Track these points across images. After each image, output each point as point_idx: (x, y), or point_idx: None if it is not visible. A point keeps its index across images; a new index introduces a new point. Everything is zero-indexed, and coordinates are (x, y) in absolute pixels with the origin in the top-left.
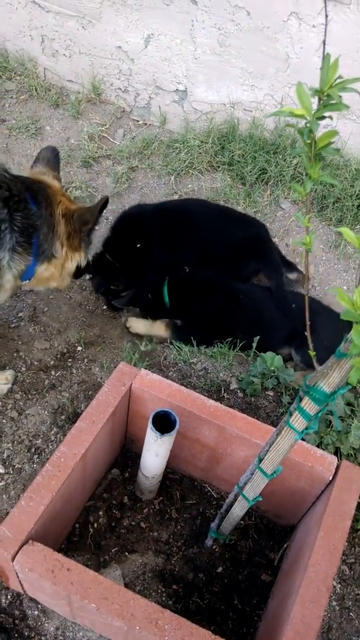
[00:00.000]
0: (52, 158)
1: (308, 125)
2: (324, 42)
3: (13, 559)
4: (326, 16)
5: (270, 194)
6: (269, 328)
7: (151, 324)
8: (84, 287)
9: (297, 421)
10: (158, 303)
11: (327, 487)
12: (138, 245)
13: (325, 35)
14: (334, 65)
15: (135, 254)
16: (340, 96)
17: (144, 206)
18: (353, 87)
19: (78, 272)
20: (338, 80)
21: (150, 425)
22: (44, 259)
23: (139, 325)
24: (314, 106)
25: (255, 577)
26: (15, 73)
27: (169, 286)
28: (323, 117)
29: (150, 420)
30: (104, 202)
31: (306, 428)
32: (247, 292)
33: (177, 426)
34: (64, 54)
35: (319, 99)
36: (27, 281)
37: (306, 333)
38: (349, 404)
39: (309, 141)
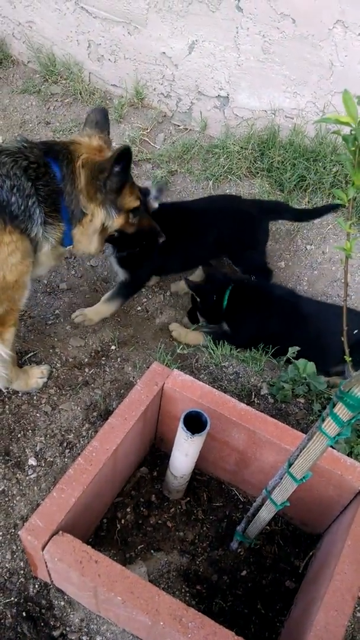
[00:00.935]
0: (100, 119)
1: (353, 132)
2: None
3: (43, 548)
4: None
5: (308, 201)
6: (326, 347)
7: (187, 333)
8: None
9: (330, 427)
10: (216, 307)
11: (356, 496)
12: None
13: None
14: None
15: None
16: None
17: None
18: None
19: (119, 241)
20: None
21: (181, 425)
22: (75, 221)
23: (181, 332)
24: None
25: (279, 583)
26: (61, 77)
27: (231, 292)
28: None
29: (182, 419)
30: (122, 151)
31: (338, 434)
32: (311, 309)
33: (208, 427)
34: (109, 59)
35: None
36: (71, 246)
37: (343, 338)
38: None
39: (353, 148)
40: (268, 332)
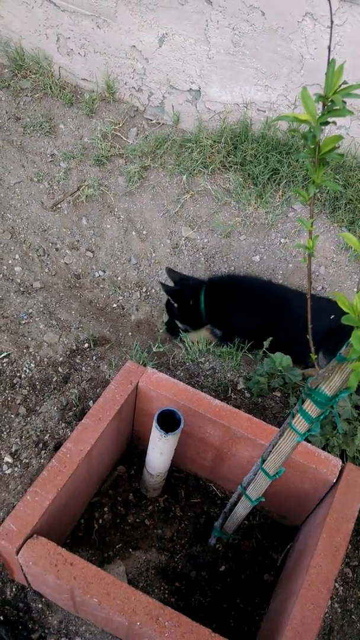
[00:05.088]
0: None
1: (312, 131)
2: (329, 47)
3: (17, 552)
4: (332, 22)
5: (282, 195)
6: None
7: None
8: (95, 285)
9: (300, 423)
10: (195, 312)
11: (331, 489)
12: None
13: (330, 39)
14: (339, 71)
15: None
16: (344, 102)
17: None
18: (358, 94)
19: None
20: (343, 86)
21: (155, 424)
22: None
23: (190, 336)
24: (319, 111)
25: (257, 577)
26: (30, 71)
27: (205, 294)
28: (327, 123)
29: (155, 418)
30: None
31: (308, 430)
32: (291, 297)
33: (182, 425)
34: (79, 53)
35: (324, 105)
36: None
37: (308, 336)
38: (356, 406)
39: (312, 146)
40: (256, 325)
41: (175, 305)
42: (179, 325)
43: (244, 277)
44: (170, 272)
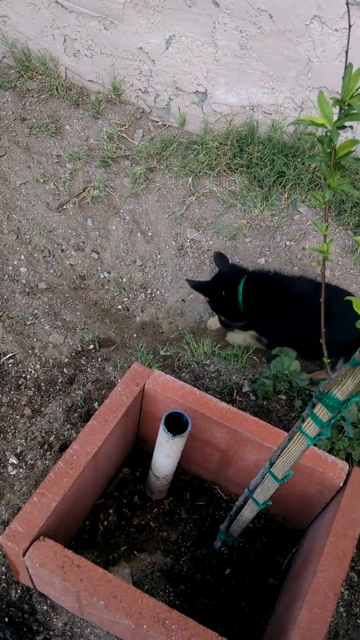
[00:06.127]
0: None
1: (328, 134)
2: (346, 52)
3: (24, 554)
4: (349, 26)
5: (287, 197)
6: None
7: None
8: (100, 286)
9: (310, 427)
10: (231, 304)
11: (338, 493)
12: None
13: (348, 43)
14: (356, 74)
15: None
16: None
17: None
18: None
19: None
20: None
21: (162, 426)
22: None
23: (234, 337)
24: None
25: (262, 581)
26: (36, 72)
27: (244, 287)
28: (344, 127)
29: (163, 421)
30: None
31: (318, 434)
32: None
33: (189, 428)
34: (86, 54)
35: (340, 108)
36: None
37: (321, 340)
38: None
39: (328, 150)
40: (296, 328)
41: (207, 299)
42: (219, 317)
43: (291, 277)
44: (218, 257)
